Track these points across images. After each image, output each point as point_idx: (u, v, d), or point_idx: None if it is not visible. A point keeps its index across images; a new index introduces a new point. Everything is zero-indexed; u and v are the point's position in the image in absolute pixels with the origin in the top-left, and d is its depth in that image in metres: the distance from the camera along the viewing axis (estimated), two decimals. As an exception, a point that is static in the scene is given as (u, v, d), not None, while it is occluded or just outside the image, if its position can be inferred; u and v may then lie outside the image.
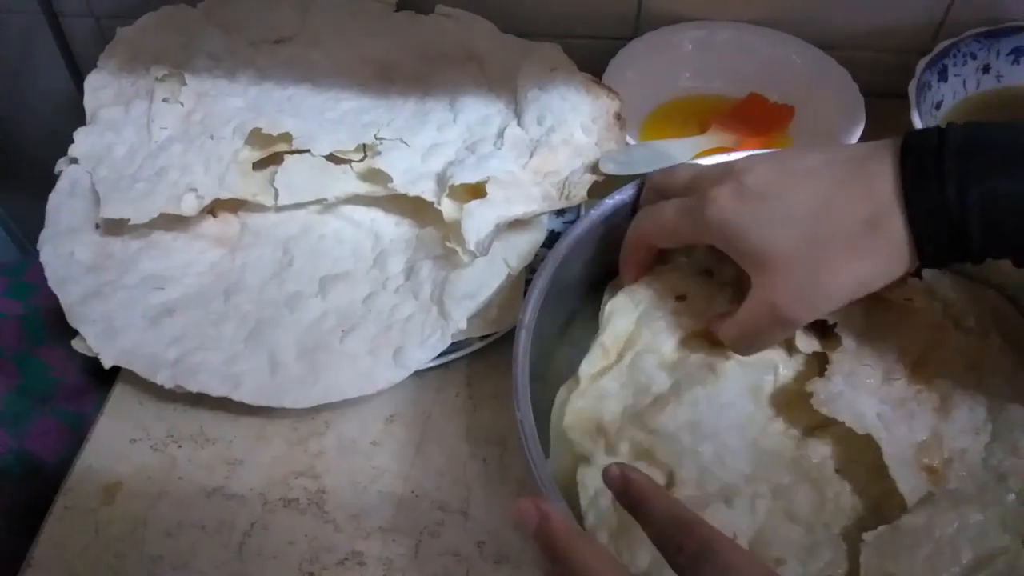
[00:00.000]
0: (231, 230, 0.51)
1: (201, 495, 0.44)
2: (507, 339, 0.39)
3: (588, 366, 0.40)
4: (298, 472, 0.45)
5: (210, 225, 0.51)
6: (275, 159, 0.52)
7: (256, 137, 0.51)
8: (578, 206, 0.51)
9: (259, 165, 0.52)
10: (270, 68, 0.56)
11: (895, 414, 0.39)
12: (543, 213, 0.48)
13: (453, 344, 0.46)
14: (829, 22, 0.59)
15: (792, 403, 0.40)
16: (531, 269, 0.48)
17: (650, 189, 0.43)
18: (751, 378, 0.40)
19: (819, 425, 0.39)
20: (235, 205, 0.51)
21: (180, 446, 0.46)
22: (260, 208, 0.51)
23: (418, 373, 0.46)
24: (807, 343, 0.41)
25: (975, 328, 0.42)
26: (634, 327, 0.42)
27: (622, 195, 0.44)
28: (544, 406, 0.40)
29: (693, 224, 0.38)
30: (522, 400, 0.37)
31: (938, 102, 0.55)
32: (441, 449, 0.45)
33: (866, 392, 0.39)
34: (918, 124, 0.50)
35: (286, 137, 0.51)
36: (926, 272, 0.45)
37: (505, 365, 0.38)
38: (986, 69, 0.57)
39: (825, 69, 0.58)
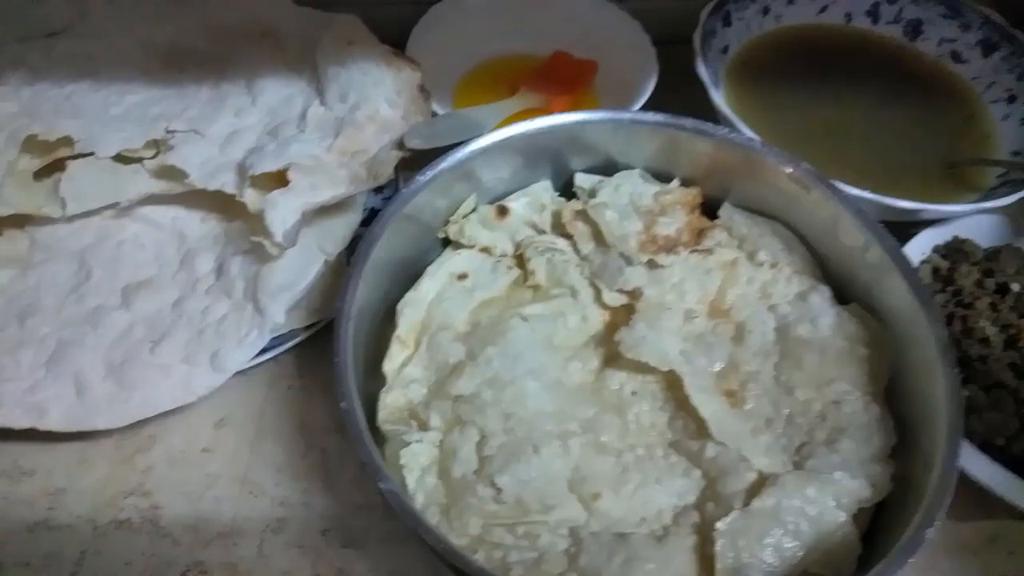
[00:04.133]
0: (19, 248, 0.47)
1: (22, 531, 0.41)
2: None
3: (389, 363, 0.41)
4: (127, 491, 0.43)
5: (-5, 245, 0.47)
6: (59, 165, 0.48)
7: (33, 144, 0.47)
8: (396, 180, 0.50)
9: (42, 174, 0.48)
10: (44, 66, 0.52)
11: (695, 348, 0.42)
12: (351, 195, 0.48)
13: (278, 337, 0.45)
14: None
15: (587, 345, 0.43)
16: (352, 250, 0.48)
17: None
18: (541, 331, 0.42)
19: (613, 357, 0.42)
20: (21, 220, 0.48)
21: (-7, 484, 0.43)
22: (49, 220, 0.48)
23: (245, 372, 0.45)
24: (614, 298, 0.43)
25: (767, 260, 0.46)
26: (425, 313, 0.43)
27: (433, 170, 0.44)
28: (377, 388, 0.40)
29: None
30: (347, 390, 0.36)
31: (724, 47, 0.58)
32: (277, 445, 0.45)
33: (668, 333, 0.42)
34: (703, 72, 0.52)
35: (67, 141, 0.47)
36: (723, 211, 0.48)
37: (335, 351, 0.37)
38: (766, 11, 0.60)
39: (619, 23, 0.59)
